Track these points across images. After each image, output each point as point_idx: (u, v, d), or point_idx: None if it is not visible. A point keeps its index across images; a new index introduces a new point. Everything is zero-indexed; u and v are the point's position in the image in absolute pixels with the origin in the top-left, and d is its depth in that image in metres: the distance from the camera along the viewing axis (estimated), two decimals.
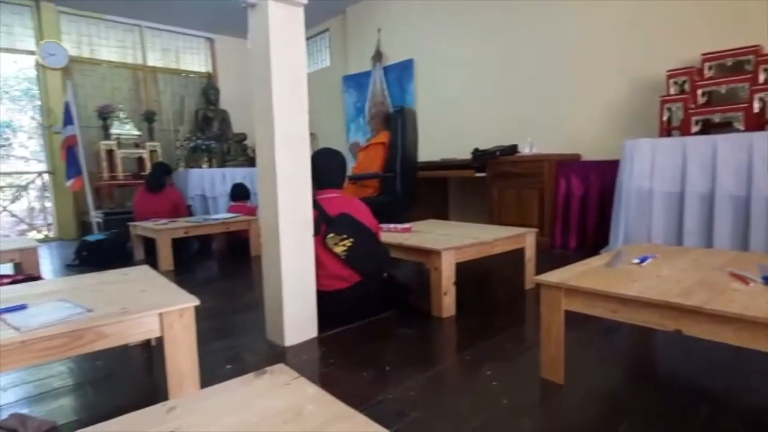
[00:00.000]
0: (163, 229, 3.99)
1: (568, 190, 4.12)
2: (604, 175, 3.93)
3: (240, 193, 5.22)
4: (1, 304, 1.43)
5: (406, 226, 3.04)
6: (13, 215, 6.56)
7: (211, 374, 1.77)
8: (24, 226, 6.73)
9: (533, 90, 4.77)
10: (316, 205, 2.35)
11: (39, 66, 6.13)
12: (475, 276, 3.29)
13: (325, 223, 2.35)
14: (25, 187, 6.57)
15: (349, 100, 7.12)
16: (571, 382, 1.64)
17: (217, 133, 7.16)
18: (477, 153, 4.66)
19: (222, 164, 6.89)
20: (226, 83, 7.67)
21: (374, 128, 4.22)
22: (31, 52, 6.09)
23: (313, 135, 6.72)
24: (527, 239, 2.89)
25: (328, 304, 2.32)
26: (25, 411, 1.59)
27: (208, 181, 6.37)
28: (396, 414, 1.49)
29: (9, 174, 7.51)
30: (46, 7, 6.04)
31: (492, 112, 5.18)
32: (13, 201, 6.57)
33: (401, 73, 6.22)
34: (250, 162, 6.96)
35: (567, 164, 4.21)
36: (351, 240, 2.34)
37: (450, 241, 2.54)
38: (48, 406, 1.69)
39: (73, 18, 6.42)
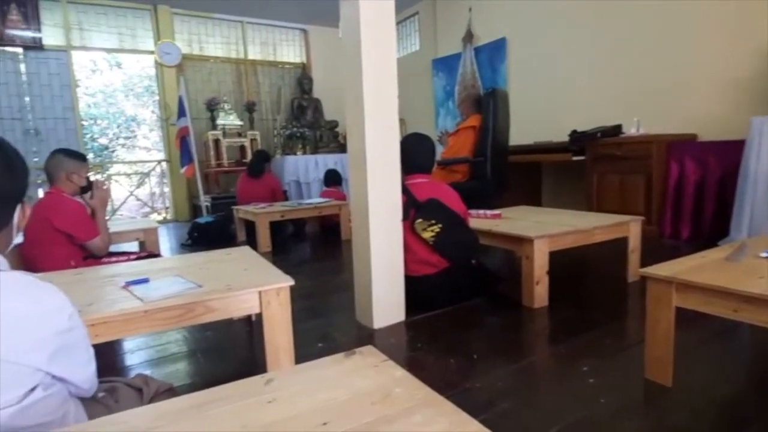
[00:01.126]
0: (261, 213, 4.26)
1: (681, 174, 3.72)
2: (724, 158, 3.49)
3: (332, 178, 5.41)
4: (128, 278, 1.62)
5: (496, 212, 2.95)
6: (138, 199, 7.40)
7: (304, 350, 1.86)
8: (147, 209, 7.57)
9: (640, 64, 4.35)
10: (405, 191, 2.36)
11: (157, 64, 6.78)
12: (571, 266, 3.11)
13: (413, 209, 2.35)
14: (147, 174, 7.37)
15: (439, 84, 7.02)
16: (680, 384, 1.50)
17: (310, 121, 7.46)
18: (575, 135, 4.37)
19: (315, 151, 7.17)
20: (319, 72, 7.93)
21: (464, 112, 4.12)
22: (151, 52, 6.75)
23: (401, 120, 6.74)
24: (631, 228, 2.67)
25: (416, 289, 2.33)
26: (147, 372, 1.80)
27: (302, 167, 6.68)
28: (484, 403, 1.47)
29: (134, 162, 8.50)
30: (162, 9, 6.65)
31: (592, 90, 4.81)
32: (138, 186, 7.41)
33: (493, 54, 6.00)
34: (342, 148, 7.16)
35: (680, 145, 3.79)
36: (439, 225, 2.32)
37: (543, 229, 2.42)
38: (166, 369, 1.90)
39: (185, 18, 6.99)
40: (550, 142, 4.75)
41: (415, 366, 1.80)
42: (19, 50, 5.72)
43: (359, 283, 2.30)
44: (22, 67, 5.74)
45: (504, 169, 3.86)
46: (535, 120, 5.32)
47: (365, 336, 2.13)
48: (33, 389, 0.77)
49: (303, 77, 7.67)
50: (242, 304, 1.47)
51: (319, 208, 4.64)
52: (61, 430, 0.72)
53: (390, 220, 2.23)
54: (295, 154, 6.96)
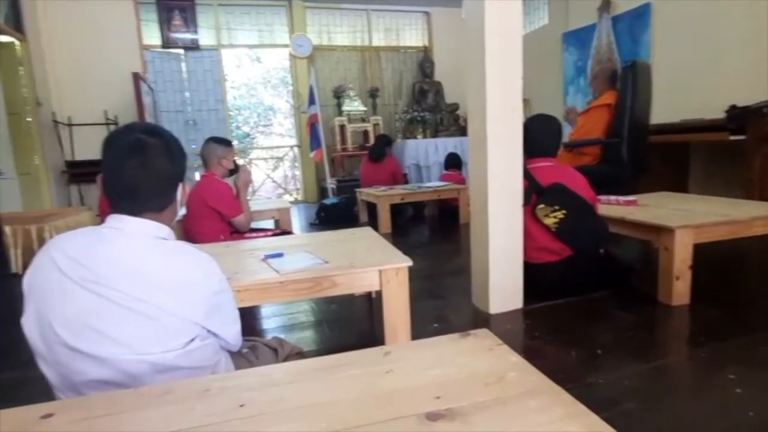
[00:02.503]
0: (382, 195, 4.42)
1: None
2: None
3: (453, 161, 5.39)
4: (266, 251, 1.81)
5: (631, 198, 2.70)
6: (274, 181, 8.14)
7: (420, 329, 1.92)
8: (280, 190, 8.30)
9: None
10: (527, 174, 2.27)
11: (291, 56, 7.32)
12: (721, 261, 2.73)
13: (535, 193, 2.26)
14: (281, 159, 8.07)
15: (569, 60, 6.53)
16: None
17: (431, 105, 7.48)
18: (735, 110, 3.77)
19: (435, 134, 7.19)
20: (441, 55, 7.87)
21: (597, 89, 3.80)
22: (285, 46, 7.30)
23: (526, 101, 6.43)
24: None
25: (536, 277, 2.25)
26: (282, 336, 2.01)
27: (422, 151, 6.75)
28: (606, 401, 1.38)
29: (271, 148, 9.33)
30: (296, 4, 7.13)
31: (756, 59, 4.08)
32: (273, 170, 8.15)
33: (633, 22, 5.39)
34: (462, 131, 7.08)
35: None
36: (563, 212, 2.20)
37: (687, 218, 2.16)
38: (296, 335, 2.10)
39: (316, 11, 7.42)
40: (701, 120, 4.16)
41: (531, 354, 1.76)
42: (181, 51, 6.58)
43: (476, 267, 2.29)
44: (183, 66, 6.61)
45: (643, 151, 3.50)
46: (683, 95, 4.69)
47: (481, 320, 2.12)
48: (193, 339, 0.93)
49: (425, 61, 7.69)
50: (363, 281, 1.56)
51: (438, 191, 4.67)
52: (216, 375, 0.85)
53: (510, 204, 2.17)
54: (415, 137, 7.05)
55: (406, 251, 1.68)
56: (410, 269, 1.59)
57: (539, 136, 2.37)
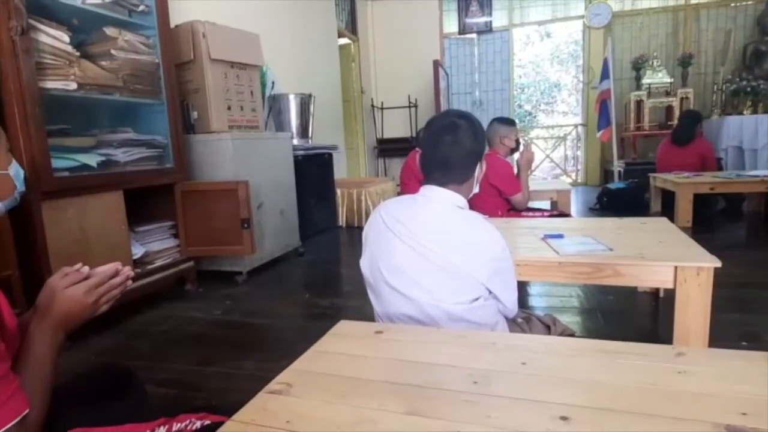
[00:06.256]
0: (684, 183, 3.78)
1: None
2: None
3: None
4: (545, 231, 1.83)
5: None
6: (551, 161, 7.89)
7: (719, 344, 1.63)
8: (557, 171, 7.99)
9: None
10: None
11: (585, 28, 6.84)
12: None
13: None
14: (563, 138, 7.73)
15: None
16: None
17: None
18: None
19: None
20: None
21: None
22: (580, 17, 6.85)
23: None
24: None
25: None
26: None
27: (748, 130, 5.38)
28: None
29: (552, 127, 9.04)
30: None
31: None
32: (553, 149, 7.89)
33: None
34: None
35: None
36: None
37: None
38: (566, 318, 2.08)
39: None
40: None
41: None
42: (474, 36, 6.98)
43: None
44: (475, 50, 7.01)
45: None
46: None
47: None
48: (477, 298, 1.06)
49: (765, 14, 6.04)
50: (653, 276, 1.43)
51: None
52: (500, 333, 0.95)
53: None
54: (740, 113, 5.69)
55: (711, 251, 1.44)
56: (715, 272, 1.36)
57: None
